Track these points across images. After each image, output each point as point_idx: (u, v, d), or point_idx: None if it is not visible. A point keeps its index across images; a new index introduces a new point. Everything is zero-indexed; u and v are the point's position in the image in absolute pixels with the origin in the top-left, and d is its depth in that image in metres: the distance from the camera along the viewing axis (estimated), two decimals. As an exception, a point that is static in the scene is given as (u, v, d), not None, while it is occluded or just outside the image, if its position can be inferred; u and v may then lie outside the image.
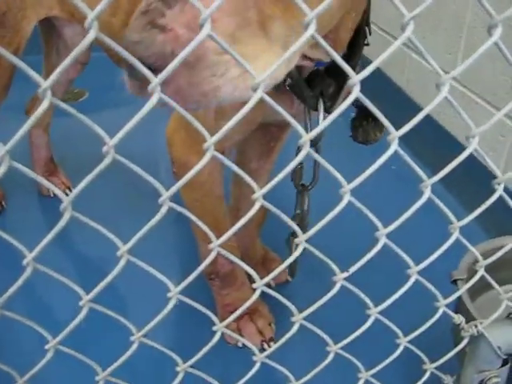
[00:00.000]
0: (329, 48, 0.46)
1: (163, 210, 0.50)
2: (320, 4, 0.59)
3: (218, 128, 1.08)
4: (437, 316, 0.70)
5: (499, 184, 0.60)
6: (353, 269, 0.60)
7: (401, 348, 0.73)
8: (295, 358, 1.06)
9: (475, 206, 0.63)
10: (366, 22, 0.86)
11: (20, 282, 0.51)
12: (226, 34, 0.54)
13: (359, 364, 0.74)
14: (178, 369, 0.64)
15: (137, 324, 0.61)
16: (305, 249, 0.58)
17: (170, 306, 0.57)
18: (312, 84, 0.87)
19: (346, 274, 0.60)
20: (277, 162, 1.28)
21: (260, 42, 0.58)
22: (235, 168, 0.52)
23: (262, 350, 1.19)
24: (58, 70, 0.41)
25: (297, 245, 0.58)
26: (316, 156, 0.52)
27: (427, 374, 0.78)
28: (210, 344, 0.62)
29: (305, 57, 0.75)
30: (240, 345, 1.21)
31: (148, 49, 0.51)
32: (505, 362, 0.80)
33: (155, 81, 0.43)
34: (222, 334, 0.63)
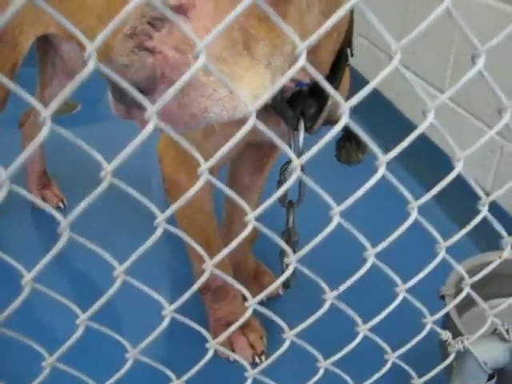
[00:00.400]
0: (319, 76, 0.48)
1: (158, 232, 0.51)
2: (300, 25, 0.61)
3: (207, 145, 1.11)
4: (424, 333, 0.72)
5: (483, 205, 0.61)
6: (342, 287, 0.62)
7: (389, 363, 0.74)
8: (286, 373, 1.07)
9: (465, 218, 0.65)
10: (349, 43, 0.87)
11: (18, 302, 0.52)
12: (213, 56, 0.55)
13: (349, 379, 0.75)
14: (172, 385, 0.65)
15: (132, 341, 0.62)
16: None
17: (165, 324, 0.59)
18: (294, 104, 0.89)
19: (335, 293, 0.61)
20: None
21: (245, 62, 0.59)
22: (227, 190, 0.53)
23: (254, 363, 1.21)
24: (58, 98, 0.43)
25: (287, 264, 0.59)
26: (304, 178, 0.54)
27: (416, 389, 0.80)
28: (203, 361, 0.64)
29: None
30: (232, 359, 1.22)
31: (138, 72, 0.52)
32: (490, 377, 0.82)
33: (152, 109, 0.45)
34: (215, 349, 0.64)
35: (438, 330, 0.74)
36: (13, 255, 0.51)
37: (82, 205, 0.49)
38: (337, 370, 0.73)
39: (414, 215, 0.59)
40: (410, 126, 2.04)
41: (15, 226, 1.68)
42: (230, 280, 0.62)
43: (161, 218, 0.51)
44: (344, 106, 0.49)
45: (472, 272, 0.98)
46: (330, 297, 0.62)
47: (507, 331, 0.78)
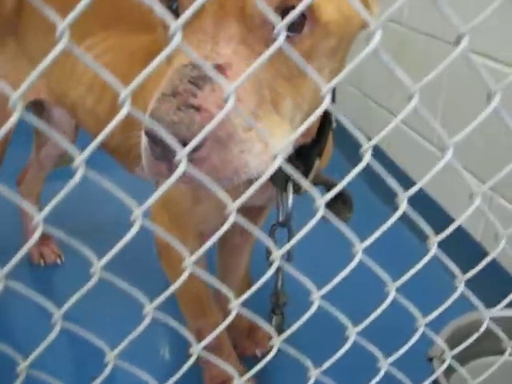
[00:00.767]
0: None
1: (146, 321, 0.54)
2: (312, 88, 0.65)
3: (196, 212, 1.13)
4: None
5: (460, 283, 0.64)
6: (326, 365, 0.64)
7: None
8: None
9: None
10: None
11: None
12: (249, 112, 0.60)
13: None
14: None
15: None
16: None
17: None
18: (282, 167, 0.92)
19: (318, 371, 0.64)
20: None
21: (274, 119, 0.64)
22: (214, 282, 0.56)
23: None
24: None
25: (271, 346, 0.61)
26: (288, 268, 0.56)
27: None
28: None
29: None
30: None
31: (189, 128, 0.54)
32: None
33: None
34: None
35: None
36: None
37: (75, 297, 0.52)
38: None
39: (392, 295, 0.61)
40: (402, 175, 2.08)
41: (12, 278, 1.68)
42: (220, 362, 0.64)
43: (149, 307, 0.54)
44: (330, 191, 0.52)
45: (461, 332, 1.00)
46: (314, 374, 0.64)
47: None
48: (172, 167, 0.57)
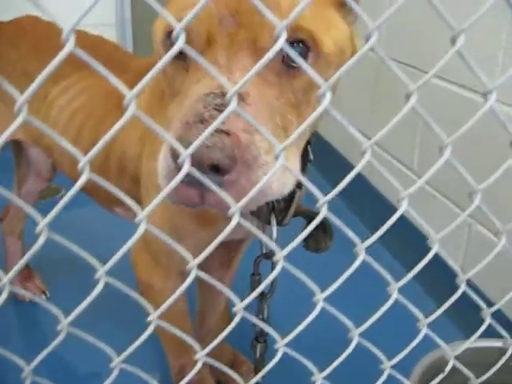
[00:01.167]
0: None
1: (114, 373, 0.55)
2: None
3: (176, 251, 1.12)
4: None
5: (423, 325, 0.66)
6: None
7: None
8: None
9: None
10: (309, 141, 0.92)
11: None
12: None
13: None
14: None
15: None
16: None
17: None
18: None
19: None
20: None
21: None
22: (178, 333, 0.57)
23: None
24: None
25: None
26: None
27: None
28: None
29: None
30: None
31: (222, 152, 0.56)
32: None
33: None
34: None
35: None
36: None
37: (41, 356, 0.53)
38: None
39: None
40: (384, 202, 2.11)
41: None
42: None
43: (116, 361, 0.55)
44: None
45: (436, 365, 1.01)
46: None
47: None
48: (203, 192, 0.60)
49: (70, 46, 0.40)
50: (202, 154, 0.55)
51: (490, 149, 1.55)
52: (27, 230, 1.77)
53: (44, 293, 1.75)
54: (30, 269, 1.79)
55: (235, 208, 0.51)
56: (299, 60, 0.49)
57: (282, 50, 0.46)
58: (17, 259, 1.76)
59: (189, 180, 0.56)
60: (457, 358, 0.79)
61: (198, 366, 0.58)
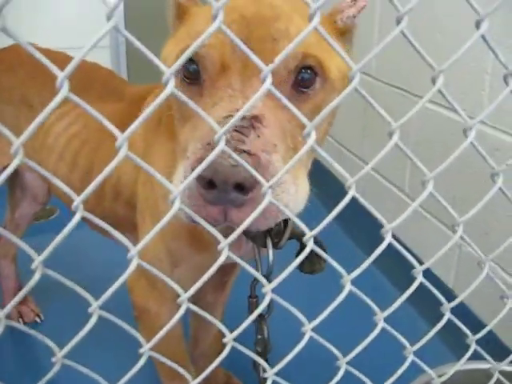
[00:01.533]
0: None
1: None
2: (319, 136, 0.73)
3: (174, 275, 1.15)
4: None
5: (409, 353, 0.68)
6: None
7: None
8: None
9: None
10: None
11: None
12: (282, 157, 0.65)
13: None
14: None
15: None
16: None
17: None
18: None
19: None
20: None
21: (296, 165, 0.66)
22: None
23: None
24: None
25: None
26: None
27: None
28: None
29: None
30: None
31: (247, 171, 0.56)
32: None
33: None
34: None
35: None
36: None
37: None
38: None
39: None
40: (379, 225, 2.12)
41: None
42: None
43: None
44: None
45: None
46: None
47: None
48: (226, 210, 0.62)
49: (63, 93, 0.42)
50: (227, 173, 0.57)
51: (475, 177, 1.58)
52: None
53: (38, 316, 1.75)
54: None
55: (224, 244, 0.52)
56: (284, 101, 0.51)
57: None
58: (10, 283, 1.77)
59: (210, 199, 0.60)
60: (444, 382, 0.81)
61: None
